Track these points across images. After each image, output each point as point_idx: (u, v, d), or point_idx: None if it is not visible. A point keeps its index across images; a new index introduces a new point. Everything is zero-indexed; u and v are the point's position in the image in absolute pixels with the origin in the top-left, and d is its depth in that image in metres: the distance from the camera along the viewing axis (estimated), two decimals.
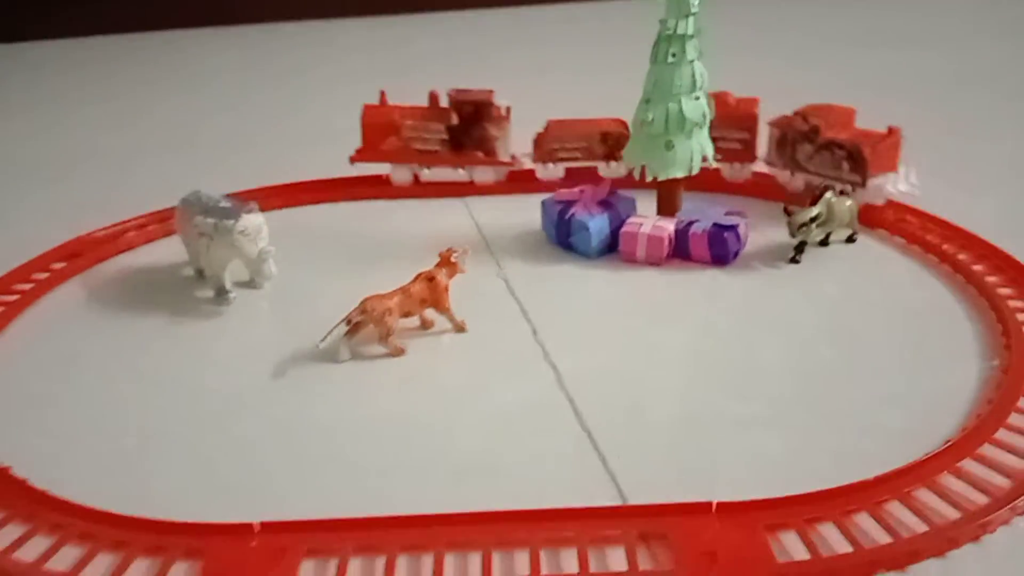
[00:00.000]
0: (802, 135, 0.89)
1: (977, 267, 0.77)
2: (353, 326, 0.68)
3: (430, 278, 0.70)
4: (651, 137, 0.82)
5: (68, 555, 0.49)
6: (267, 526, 0.50)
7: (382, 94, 0.99)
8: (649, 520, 0.50)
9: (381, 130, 0.97)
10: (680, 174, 0.82)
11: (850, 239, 0.85)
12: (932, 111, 1.21)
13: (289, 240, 0.83)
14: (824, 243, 0.84)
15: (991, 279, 0.75)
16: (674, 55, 0.79)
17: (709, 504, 0.50)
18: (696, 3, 0.78)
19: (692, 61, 0.79)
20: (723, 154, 0.90)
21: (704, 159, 0.83)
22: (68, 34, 1.93)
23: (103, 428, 0.62)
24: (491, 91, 0.95)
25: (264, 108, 1.44)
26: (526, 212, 0.90)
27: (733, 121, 0.92)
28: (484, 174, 0.99)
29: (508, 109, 0.96)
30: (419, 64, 1.61)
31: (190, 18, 1.95)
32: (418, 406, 0.63)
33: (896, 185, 0.86)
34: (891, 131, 0.86)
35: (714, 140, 0.85)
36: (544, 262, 0.84)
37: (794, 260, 0.81)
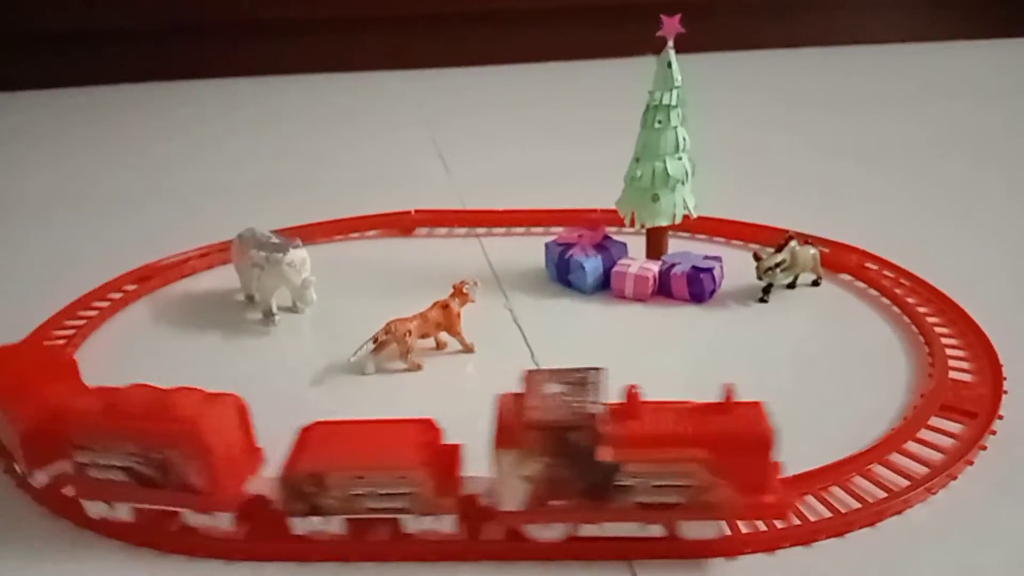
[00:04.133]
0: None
1: (921, 308, 0.89)
2: (379, 344, 0.81)
3: (444, 305, 0.83)
4: (640, 190, 0.95)
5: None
6: None
7: None
8: None
9: None
10: (665, 223, 0.95)
11: (815, 283, 0.96)
12: (903, 173, 1.33)
13: (326, 271, 0.96)
14: (791, 285, 0.96)
15: (932, 319, 0.86)
16: (660, 122, 0.92)
17: None
18: (679, 79, 0.91)
19: (676, 127, 0.92)
20: None
21: (687, 213, 0.96)
22: (130, 79, 2.10)
23: None
24: None
25: (304, 154, 1.60)
26: (531, 252, 1.04)
27: None
28: None
29: None
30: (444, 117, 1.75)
31: (245, 68, 2.12)
32: (431, 410, 0.76)
33: None
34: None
35: None
36: (545, 296, 0.97)
37: (762, 300, 0.93)
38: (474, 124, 1.73)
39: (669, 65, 0.91)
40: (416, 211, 1.18)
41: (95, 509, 0.60)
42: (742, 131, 1.57)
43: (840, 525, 0.59)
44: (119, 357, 0.86)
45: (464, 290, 0.84)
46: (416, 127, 1.69)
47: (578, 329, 0.90)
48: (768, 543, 0.58)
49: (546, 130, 1.66)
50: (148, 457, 0.56)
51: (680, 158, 0.94)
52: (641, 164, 0.94)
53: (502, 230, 1.15)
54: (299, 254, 0.89)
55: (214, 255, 1.06)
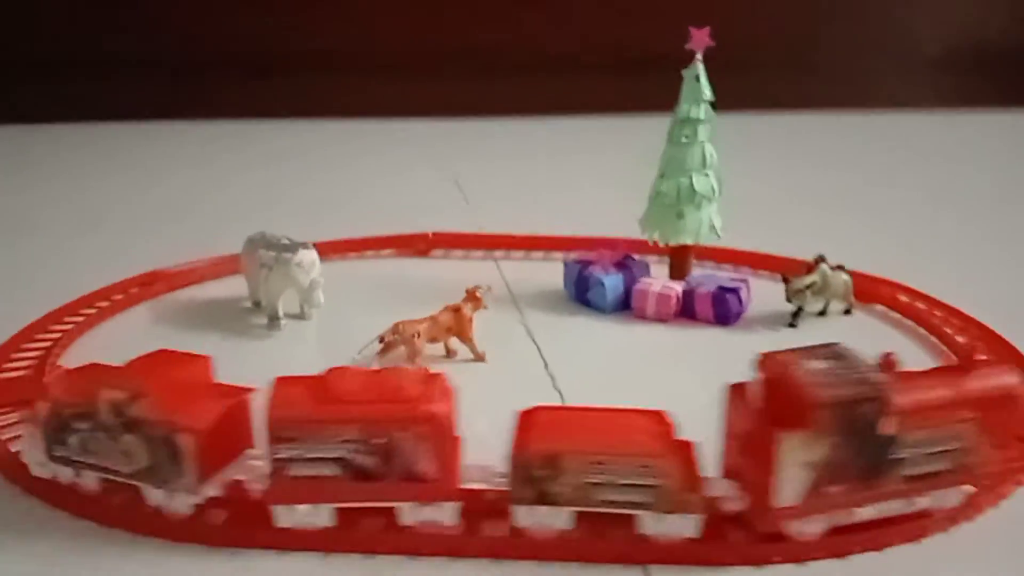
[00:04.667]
0: None
1: (960, 338, 0.84)
2: (385, 345, 0.77)
3: (456, 309, 0.79)
4: (664, 207, 0.91)
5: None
6: None
7: None
8: None
9: None
10: (689, 241, 0.91)
11: (846, 312, 0.92)
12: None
13: (336, 286, 0.93)
14: (822, 313, 0.91)
15: (968, 346, 0.81)
16: (687, 136, 0.89)
17: None
18: (708, 92, 0.89)
19: (703, 142, 0.90)
20: None
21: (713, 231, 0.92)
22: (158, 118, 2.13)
23: None
24: None
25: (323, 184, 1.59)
26: (550, 275, 1.00)
27: None
28: None
29: None
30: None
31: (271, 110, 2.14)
32: None
33: None
34: None
35: None
36: (562, 314, 0.92)
37: (791, 325, 0.88)
38: (497, 170, 1.71)
39: (698, 79, 0.89)
40: (434, 234, 1.15)
41: (288, 517, 0.53)
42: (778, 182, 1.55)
43: None
44: (113, 355, 0.83)
45: (477, 294, 0.80)
46: (439, 170, 1.68)
47: (596, 347, 0.85)
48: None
49: (570, 179, 1.64)
50: (369, 444, 0.50)
51: (707, 174, 0.91)
52: (666, 180, 0.91)
53: (520, 254, 1.12)
54: (309, 255, 0.86)
55: (223, 264, 1.03)
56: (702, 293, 0.88)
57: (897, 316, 0.91)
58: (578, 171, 1.68)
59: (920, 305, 0.91)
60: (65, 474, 0.57)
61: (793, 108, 2.16)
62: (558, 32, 2.15)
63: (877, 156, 1.81)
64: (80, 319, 0.88)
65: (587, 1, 2.15)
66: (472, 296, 0.80)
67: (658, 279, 0.92)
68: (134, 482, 0.55)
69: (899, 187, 1.52)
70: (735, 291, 0.88)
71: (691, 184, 0.90)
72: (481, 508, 0.54)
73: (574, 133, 2.06)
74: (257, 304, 0.92)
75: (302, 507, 0.52)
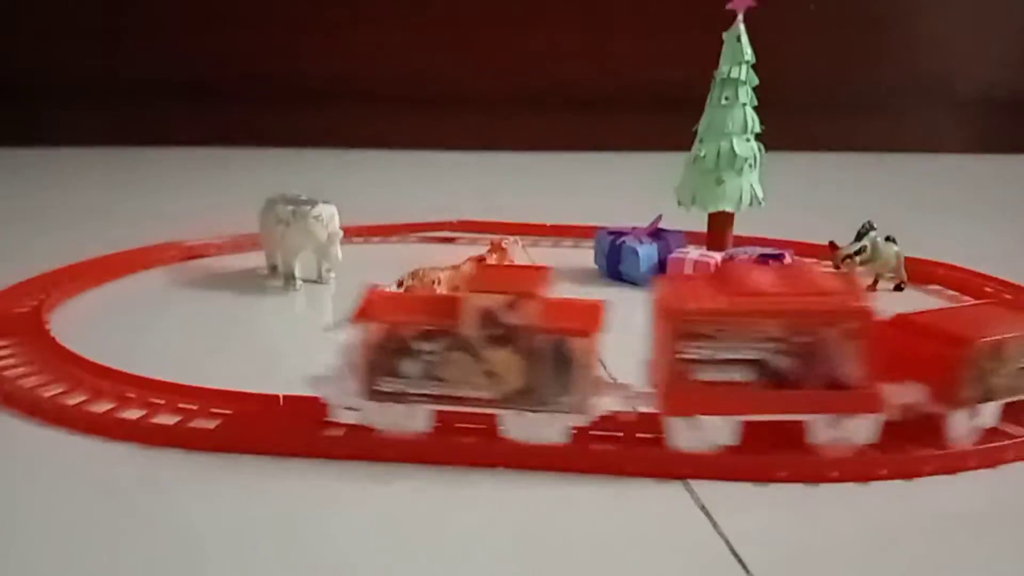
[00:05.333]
0: None
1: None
2: (404, 291, 0.72)
3: (480, 259, 0.75)
4: (702, 172, 0.87)
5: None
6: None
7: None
8: None
9: None
10: (729, 208, 0.86)
11: (898, 287, 0.86)
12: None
13: (357, 265, 0.88)
14: (872, 287, 0.85)
15: None
16: (727, 98, 0.85)
17: None
18: (749, 53, 0.85)
19: (744, 104, 0.85)
20: None
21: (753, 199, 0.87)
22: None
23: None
24: None
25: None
26: (580, 258, 0.95)
27: None
28: None
29: None
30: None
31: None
32: None
33: None
34: None
35: None
36: (592, 285, 0.87)
37: None
38: (537, 199, 1.68)
39: (739, 39, 0.85)
40: (460, 221, 1.11)
41: (688, 433, 0.45)
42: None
43: None
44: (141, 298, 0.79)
45: (503, 245, 0.75)
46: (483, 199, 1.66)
47: (625, 310, 0.80)
48: None
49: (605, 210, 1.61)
50: (791, 343, 0.43)
51: (748, 139, 0.86)
52: (705, 144, 0.87)
53: (549, 241, 1.07)
54: (327, 209, 0.82)
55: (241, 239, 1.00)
56: (743, 259, 0.83)
57: (954, 293, 0.85)
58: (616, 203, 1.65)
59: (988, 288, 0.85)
60: (385, 415, 0.47)
61: (826, 148, 2.12)
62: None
63: (910, 194, 1.75)
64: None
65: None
66: (498, 247, 0.75)
67: (695, 248, 0.86)
68: (499, 408, 0.45)
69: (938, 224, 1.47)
70: (779, 258, 0.82)
71: (732, 148, 0.85)
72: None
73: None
74: (273, 269, 0.88)
75: (706, 419, 0.44)
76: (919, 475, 0.47)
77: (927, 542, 0.42)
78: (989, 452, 0.48)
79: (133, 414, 0.52)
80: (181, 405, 0.53)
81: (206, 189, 1.55)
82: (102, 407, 0.53)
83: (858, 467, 0.46)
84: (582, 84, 2.09)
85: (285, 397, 0.53)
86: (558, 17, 2.06)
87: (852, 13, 2.08)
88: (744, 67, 0.85)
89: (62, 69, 2.02)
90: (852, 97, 2.16)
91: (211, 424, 0.51)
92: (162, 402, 0.53)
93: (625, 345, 0.72)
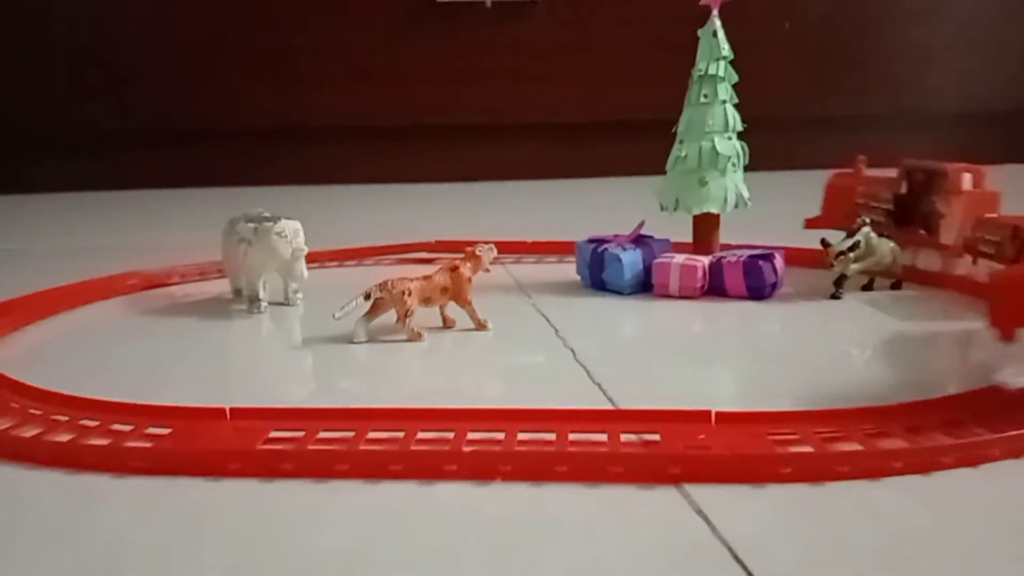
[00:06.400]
0: None
1: None
2: (372, 305, 0.68)
3: (453, 268, 0.70)
4: (685, 173, 0.83)
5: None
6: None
7: (860, 160, 0.93)
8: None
9: (843, 195, 0.92)
10: (715, 209, 0.82)
11: (894, 286, 0.82)
12: None
13: (329, 289, 0.84)
14: (868, 287, 0.81)
15: None
16: (706, 96, 0.82)
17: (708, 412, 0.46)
18: (727, 49, 0.82)
19: (724, 102, 0.82)
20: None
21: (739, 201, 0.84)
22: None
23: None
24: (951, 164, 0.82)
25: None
26: (563, 273, 0.91)
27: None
28: (930, 259, 0.84)
29: (971, 179, 0.80)
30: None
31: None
32: (439, 387, 0.61)
33: None
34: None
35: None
36: (574, 296, 0.83)
37: (835, 296, 0.78)
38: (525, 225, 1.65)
39: (715, 34, 0.82)
40: (437, 241, 1.07)
41: None
42: None
43: None
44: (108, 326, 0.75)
45: (476, 252, 0.71)
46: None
47: (613, 325, 0.76)
48: None
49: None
50: None
51: (730, 137, 0.83)
52: (686, 144, 0.83)
53: (532, 259, 1.03)
54: (291, 224, 0.78)
55: (202, 268, 0.95)
56: (731, 261, 0.79)
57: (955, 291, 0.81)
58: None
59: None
60: None
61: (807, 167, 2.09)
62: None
63: None
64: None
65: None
66: (471, 255, 0.71)
67: (681, 254, 0.82)
68: None
69: None
70: (769, 258, 0.78)
71: (714, 147, 0.81)
72: None
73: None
74: (237, 292, 0.83)
75: None
76: (937, 468, 0.42)
77: (951, 541, 0.37)
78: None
79: (62, 437, 0.47)
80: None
81: (174, 225, 1.51)
82: (30, 431, 0.48)
83: (872, 461, 0.41)
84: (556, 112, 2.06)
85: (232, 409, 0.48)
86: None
87: (828, 31, 2.07)
88: (722, 63, 0.82)
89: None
90: (832, 114, 2.13)
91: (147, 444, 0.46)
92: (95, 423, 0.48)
93: (613, 354, 0.68)
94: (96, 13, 1.92)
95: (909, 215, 0.84)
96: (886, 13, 2.08)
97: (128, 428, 0.47)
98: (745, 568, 0.35)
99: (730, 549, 0.36)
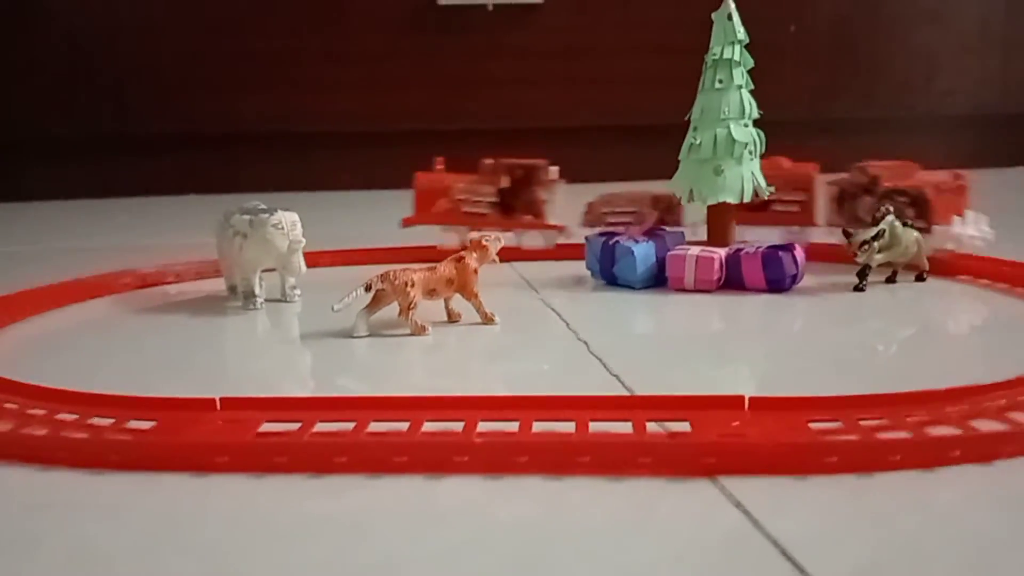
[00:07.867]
0: (861, 188, 0.85)
1: None
2: (373, 298, 0.64)
3: (459, 259, 0.66)
4: (699, 162, 0.79)
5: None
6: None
7: (438, 161, 1.00)
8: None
9: (433, 195, 0.98)
10: (731, 199, 0.79)
11: (919, 278, 0.78)
12: None
13: (333, 287, 0.80)
14: (891, 279, 0.77)
15: None
16: (721, 81, 0.78)
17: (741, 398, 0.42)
18: (742, 32, 0.78)
19: (740, 87, 0.79)
20: (781, 218, 0.87)
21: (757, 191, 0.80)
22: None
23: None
24: (542, 160, 0.95)
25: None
26: (572, 269, 0.87)
27: (789, 183, 0.88)
28: (534, 239, 0.97)
29: (557, 172, 0.95)
30: None
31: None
32: (442, 386, 0.58)
33: (964, 229, 0.80)
34: (957, 176, 0.82)
35: (771, 203, 0.83)
36: (584, 291, 0.79)
37: (858, 288, 0.75)
38: None
39: (730, 17, 0.78)
40: (441, 246, 1.03)
41: None
42: None
43: None
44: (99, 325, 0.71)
45: (483, 242, 0.67)
46: None
47: (627, 319, 0.72)
48: None
49: None
50: None
51: (746, 124, 0.79)
52: (700, 131, 0.79)
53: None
54: (288, 216, 0.74)
55: (197, 266, 0.91)
56: (750, 253, 0.75)
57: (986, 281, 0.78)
58: None
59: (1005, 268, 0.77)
60: None
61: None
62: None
63: None
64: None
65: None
66: (478, 245, 0.67)
67: (696, 245, 0.79)
68: None
69: None
70: (789, 249, 0.75)
71: (729, 134, 0.78)
72: None
73: None
74: (232, 289, 0.79)
75: None
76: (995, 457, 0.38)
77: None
78: None
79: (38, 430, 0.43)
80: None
81: (173, 225, 1.47)
82: (2, 426, 0.44)
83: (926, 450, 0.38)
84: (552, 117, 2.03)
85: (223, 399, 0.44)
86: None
87: (836, 34, 2.04)
88: (737, 47, 0.78)
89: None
90: (840, 117, 2.10)
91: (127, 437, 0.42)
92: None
93: (628, 346, 0.64)
94: (94, 19, 1.90)
95: (513, 205, 0.95)
96: (895, 16, 2.05)
97: (109, 422, 0.43)
98: (799, 567, 0.31)
99: (779, 546, 0.32)
